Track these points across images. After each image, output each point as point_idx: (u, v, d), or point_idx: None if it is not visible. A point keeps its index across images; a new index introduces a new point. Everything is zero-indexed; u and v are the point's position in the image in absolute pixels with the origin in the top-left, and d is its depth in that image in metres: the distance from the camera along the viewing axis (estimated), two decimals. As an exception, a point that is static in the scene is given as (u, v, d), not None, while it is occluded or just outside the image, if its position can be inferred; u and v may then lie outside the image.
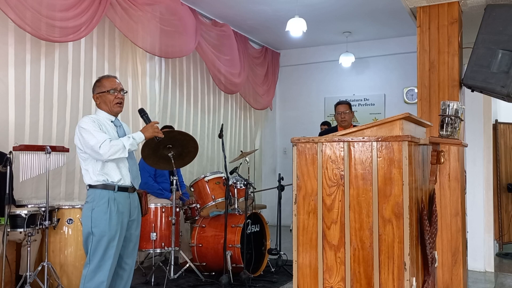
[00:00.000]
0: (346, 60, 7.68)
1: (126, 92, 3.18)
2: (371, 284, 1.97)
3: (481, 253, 5.20)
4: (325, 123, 7.43)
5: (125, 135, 3.09)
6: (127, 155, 2.97)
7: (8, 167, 3.54)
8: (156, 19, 5.48)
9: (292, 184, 2.20)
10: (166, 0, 5.64)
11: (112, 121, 3.10)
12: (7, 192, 3.50)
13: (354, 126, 4.64)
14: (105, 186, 2.95)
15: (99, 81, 3.13)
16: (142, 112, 3.24)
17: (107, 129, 3.04)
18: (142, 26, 5.29)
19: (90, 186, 2.97)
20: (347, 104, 4.82)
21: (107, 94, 3.06)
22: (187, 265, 4.69)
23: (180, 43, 5.84)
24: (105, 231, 2.90)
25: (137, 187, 3.10)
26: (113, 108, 3.08)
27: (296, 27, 5.82)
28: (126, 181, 3.02)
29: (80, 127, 2.96)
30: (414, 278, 1.99)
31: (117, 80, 3.14)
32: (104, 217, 2.91)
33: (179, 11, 5.88)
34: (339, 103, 4.83)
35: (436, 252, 2.62)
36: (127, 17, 5.13)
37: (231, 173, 4.81)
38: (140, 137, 3.02)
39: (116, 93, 3.06)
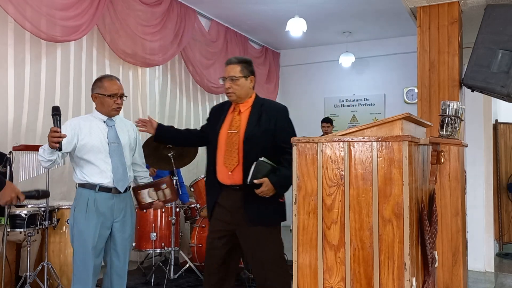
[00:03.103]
0: (346, 60, 7.68)
1: (126, 97, 3.11)
2: (371, 284, 1.96)
3: (481, 253, 5.20)
4: (326, 120, 7.18)
5: (116, 135, 3.02)
6: (45, 165, 2.85)
7: (8, 167, 3.54)
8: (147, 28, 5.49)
9: (292, 184, 2.19)
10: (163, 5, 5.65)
11: (104, 121, 3.04)
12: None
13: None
14: (86, 186, 2.96)
15: (100, 80, 3.05)
16: (53, 111, 2.76)
17: (92, 130, 2.97)
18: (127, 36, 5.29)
19: (77, 185, 3.02)
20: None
21: (107, 98, 3.00)
22: (187, 265, 4.68)
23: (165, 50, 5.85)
24: (84, 230, 2.90)
25: (121, 190, 2.99)
26: (111, 112, 3.04)
27: (296, 27, 5.82)
28: (108, 183, 2.95)
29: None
30: (414, 278, 1.99)
31: (118, 83, 3.05)
32: (83, 216, 2.92)
33: (171, 15, 5.90)
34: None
35: (436, 252, 2.62)
36: (123, 29, 5.14)
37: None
38: (46, 146, 2.75)
39: (115, 99, 3.00)
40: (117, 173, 2.98)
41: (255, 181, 2.74)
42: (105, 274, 3.11)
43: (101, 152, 2.96)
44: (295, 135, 2.97)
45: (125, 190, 3.05)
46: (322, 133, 6.85)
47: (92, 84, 3.09)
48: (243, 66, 2.95)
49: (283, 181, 2.79)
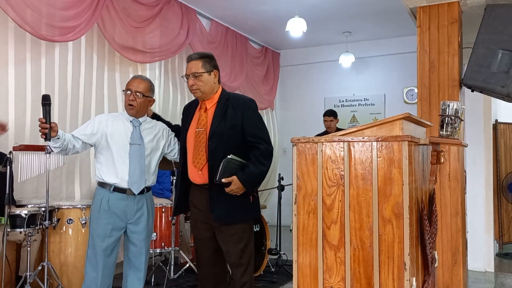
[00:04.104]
0: (346, 60, 7.68)
1: (144, 95, 3.02)
2: (371, 284, 1.97)
3: (481, 253, 5.20)
4: (329, 113, 6.34)
5: (140, 137, 3.00)
6: (55, 151, 2.87)
7: (8, 167, 3.54)
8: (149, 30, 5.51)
9: (292, 184, 2.20)
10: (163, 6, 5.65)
11: (130, 121, 3.03)
12: (7, 192, 3.50)
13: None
14: (102, 185, 2.97)
15: None
16: (43, 100, 2.73)
17: (117, 128, 2.97)
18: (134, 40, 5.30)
19: (97, 183, 3.04)
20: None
21: (124, 94, 3.01)
22: (187, 265, 4.69)
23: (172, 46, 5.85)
24: (94, 228, 2.93)
25: (136, 192, 2.96)
26: (126, 109, 3.03)
27: (296, 27, 5.82)
28: (122, 184, 2.94)
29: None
30: (414, 278, 1.99)
31: (137, 80, 3.01)
32: (95, 215, 2.94)
33: (174, 16, 5.91)
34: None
35: (436, 252, 2.62)
36: (122, 28, 5.15)
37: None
38: None
39: (129, 94, 2.97)
40: (134, 175, 2.95)
41: (222, 180, 2.69)
42: (124, 270, 3.09)
43: (121, 151, 2.95)
44: (264, 129, 2.90)
45: (142, 192, 3.01)
46: (324, 129, 6.38)
47: None
48: (204, 61, 2.86)
49: (251, 178, 2.75)
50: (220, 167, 2.69)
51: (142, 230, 3.03)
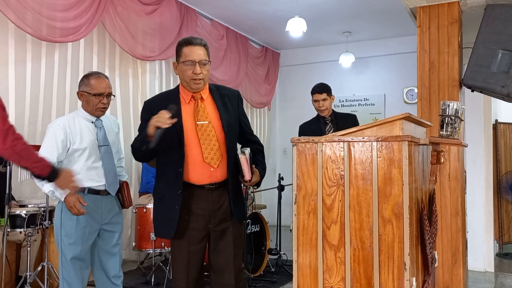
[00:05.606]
0: (346, 60, 7.68)
1: (114, 96, 2.99)
2: (371, 284, 1.96)
3: (481, 253, 5.20)
4: (319, 89, 4.18)
5: (106, 137, 2.92)
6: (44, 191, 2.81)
7: (8, 167, 3.54)
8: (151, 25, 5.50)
9: (292, 184, 2.19)
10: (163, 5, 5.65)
11: (93, 122, 2.93)
12: (7, 192, 3.50)
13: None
14: None
15: (87, 77, 2.90)
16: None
17: (82, 133, 2.86)
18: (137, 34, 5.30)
19: None
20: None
21: (92, 97, 2.87)
22: (187, 265, 4.68)
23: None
24: (72, 233, 2.82)
25: (113, 193, 2.93)
26: (95, 112, 2.92)
27: (296, 27, 5.83)
28: (99, 186, 2.87)
29: (48, 128, 2.89)
30: (414, 278, 1.99)
31: (105, 81, 2.91)
32: (72, 218, 2.82)
33: (172, 15, 5.91)
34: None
35: (436, 252, 2.62)
36: (124, 27, 5.15)
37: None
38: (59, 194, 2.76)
39: (101, 98, 2.88)
40: (109, 176, 2.91)
41: (250, 174, 2.53)
42: (97, 276, 3.01)
43: (92, 155, 2.87)
44: None
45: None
46: (315, 115, 4.37)
47: (80, 80, 2.96)
48: (207, 49, 2.56)
49: (265, 171, 2.67)
50: (247, 162, 2.49)
51: (117, 227, 3.00)
